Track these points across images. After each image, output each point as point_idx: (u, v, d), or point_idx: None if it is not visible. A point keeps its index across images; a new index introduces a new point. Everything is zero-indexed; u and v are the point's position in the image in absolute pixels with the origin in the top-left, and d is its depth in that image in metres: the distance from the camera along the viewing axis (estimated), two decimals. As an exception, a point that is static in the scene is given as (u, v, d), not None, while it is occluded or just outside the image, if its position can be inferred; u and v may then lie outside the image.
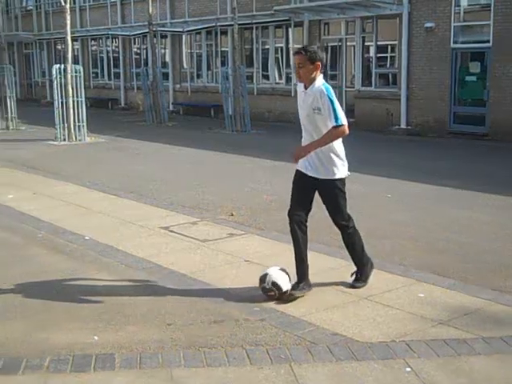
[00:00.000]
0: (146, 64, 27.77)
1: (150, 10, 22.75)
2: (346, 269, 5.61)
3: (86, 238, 7.05)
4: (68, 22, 18.02)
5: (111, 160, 13.60)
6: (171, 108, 26.31)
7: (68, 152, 15.36)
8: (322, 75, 5.15)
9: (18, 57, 38.88)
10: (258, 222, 7.73)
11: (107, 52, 32.23)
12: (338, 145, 5.18)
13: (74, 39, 20.54)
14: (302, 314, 4.82)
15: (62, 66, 17.53)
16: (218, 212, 8.31)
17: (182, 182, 10.69)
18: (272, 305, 4.99)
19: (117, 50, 31.35)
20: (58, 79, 17.23)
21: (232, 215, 8.09)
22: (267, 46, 23.83)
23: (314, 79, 5.08)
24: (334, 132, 4.99)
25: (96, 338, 4.38)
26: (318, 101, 5.01)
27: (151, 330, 4.54)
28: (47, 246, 6.79)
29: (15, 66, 31.64)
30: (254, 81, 23.72)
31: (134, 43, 30.33)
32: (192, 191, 9.79)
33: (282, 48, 23.35)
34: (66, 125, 17.20)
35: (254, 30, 23.86)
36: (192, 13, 26.14)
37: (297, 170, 5.28)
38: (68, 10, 18.04)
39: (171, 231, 7.31)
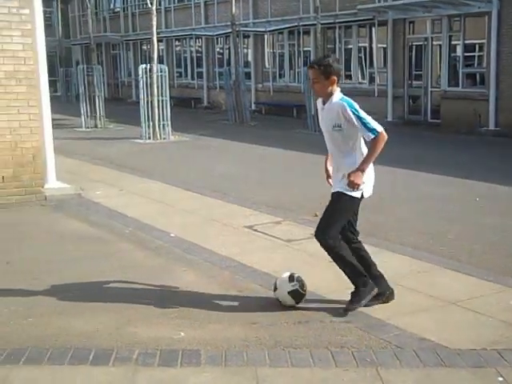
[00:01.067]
0: (229, 64, 28.05)
1: (233, 11, 22.95)
2: (435, 272, 5.49)
3: (172, 235, 7.18)
4: (154, 23, 18.42)
5: (195, 158, 13.80)
6: (253, 107, 26.45)
7: (153, 150, 15.69)
8: (339, 89, 4.83)
9: (106, 57, 40.01)
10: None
11: (191, 52, 32.76)
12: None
13: (159, 40, 20.95)
14: (387, 317, 4.75)
15: (148, 65, 17.94)
16: (302, 212, 8.29)
17: (265, 181, 10.73)
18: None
19: (200, 49, 31.80)
20: (144, 79, 17.64)
21: (316, 215, 8.04)
22: (350, 46, 23.63)
23: (331, 94, 4.79)
24: (376, 144, 4.66)
25: (182, 334, 4.44)
26: (339, 117, 4.70)
27: (236, 328, 4.57)
28: (134, 241, 6.95)
29: (103, 66, 32.53)
30: (337, 81, 23.55)
31: (217, 43, 30.69)
32: (275, 191, 9.81)
33: (365, 48, 23.10)
34: (151, 123, 17.58)
35: (337, 30, 23.71)
36: (274, 13, 26.22)
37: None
38: (154, 12, 18.44)
39: (255, 230, 7.35)
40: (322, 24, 20.75)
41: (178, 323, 4.64)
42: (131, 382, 3.80)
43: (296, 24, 24.84)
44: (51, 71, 9.36)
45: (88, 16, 25.35)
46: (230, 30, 24.26)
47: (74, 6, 41.39)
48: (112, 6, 40.21)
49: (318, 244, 4.86)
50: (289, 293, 4.93)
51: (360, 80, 23.21)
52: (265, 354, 4.15)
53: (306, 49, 25.36)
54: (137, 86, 20.28)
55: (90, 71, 21.49)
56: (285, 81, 26.63)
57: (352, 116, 4.65)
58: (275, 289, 5.01)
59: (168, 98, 18.00)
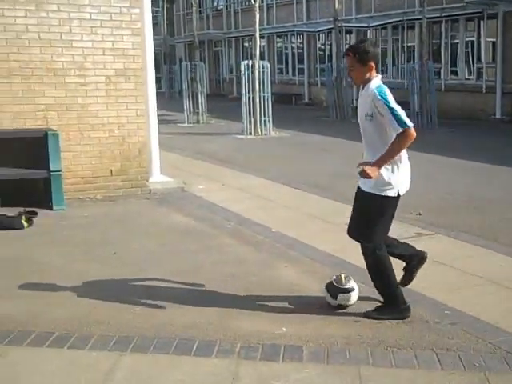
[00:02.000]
0: (330, 60, 27.88)
1: (336, 6, 22.78)
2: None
3: (273, 230, 7.20)
4: (257, 19, 18.55)
5: (295, 154, 13.80)
6: (354, 104, 26.18)
7: (254, 146, 15.82)
8: (379, 76, 4.57)
9: (208, 54, 40.74)
10: (447, 223, 7.45)
11: (292, 48, 32.81)
12: (396, 157, 4.50)
13: (260, 36, 21.11)
14: (496, 320, 4.56)
15: (250, 62, 18.10)
16: (406, 210, 8.11)
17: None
18: (464, 308, 4.77)
19: (301, 46, 31.79)
20: (246, 75, 17.81)
21: (420, 214, 7.88)
22: (456, 40, 22.95)
23: (368, 81, 4.53)
24: (401, 139, 4.36)
25: (284, 329, 4.44)
26: (371, 106, 4.44)
27: (338, 325, 4.53)
28: (236, 236, 7.02)
29: (205, 63, 33.12)
30: (442, 76, 22.97)
31: (319, 39, 30.59)
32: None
33: (472, 42, 22.38)
34: (252, 119, 17.74)
35: (443, 24, 23.08)
36: (378, 7, 25.85)
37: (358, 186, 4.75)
38: (257, 9, 18.57)
39: (356, 227, 7.25)
40: (427, 18, 20.25)
41: (279, 318, 4.64)
42: (233, 375, 3.83)
43: (400, 19, 24.38)
44: (156, 68, 9.62)
45: (192, 14, 25.81)
46: (332, 26, 24.13)
47: (179, 5, 42.37)
48: (215, 3, 40.86)
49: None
50: (325, 286, 4.87)
51: (467, 76, 22.51)
52: (368, 353, 4.09)
53: (410, 44, 24.88)
54: (238, 82, 20.56)
55: (193, 68, 21.94)
56: (387, 77, 26.20)
57: (381, 105, 4.37)
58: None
59: (269, 94, 18.10)
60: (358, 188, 4.72)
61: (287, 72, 33.21)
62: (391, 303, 4.66)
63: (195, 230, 7.35)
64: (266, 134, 17.76)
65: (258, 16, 18.65)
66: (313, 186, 9.90)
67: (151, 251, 6.42)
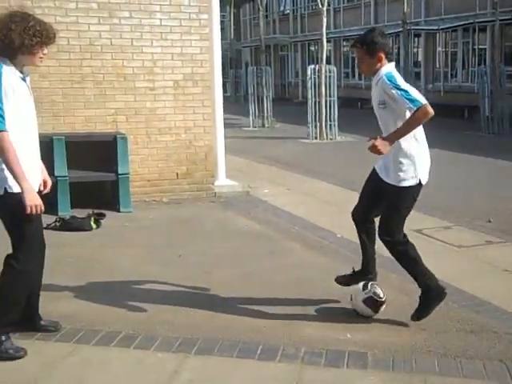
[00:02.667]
0: (398, 63, 27.53)
1: (405, 9, 22.50)
2: None
3: (338, 235, 7.15)
4: (324, 23, 18.51)
5: (360, 159, 13.65)
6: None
7: (319, 150, 15.77)
8: (390, 64, 4.45)
9: (274, 58, 40.89)
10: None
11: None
12: (414, 144, 4.41)
13: (327, 40, 21.03)
14: None
15: (317, 66, 18.05)
16: (474, 217, 7.94)
17: (436, 183, 10.38)
18: (536, 320, 4.63)
19: (368, 50, 31.52)
20: (312, 79, 17.78)
21: (489, 222, 7.68)
22: (530, 43, 22.36)
23: (377, 71, 4.42)
24: (416, 114, 4.20)
25: (349, 335, 4.40)
26: (381, 93, 4.35)
27: (404, 333, 4.45)
28: (300, 240, 7.00)
29: (271, 67, 33.25)
30: (514, 80, 22.37)
31: (386, 43, 30.26)
32: (445, 194, 9.48)
33: (547, 44, 21.74)
34: (318, 123, 17.69)
35: (516, 26, 22.52)
36: (448, 10, 25.40)
37: (373, 168, 4.71)
38: (324, 12, 18.53)
39: (423, 234, 7.13)
40: (500, 20, 19.76)
41: (344, 324, 4.59)
42: (297, 380, 3.81)
43: (471, 21, 23.87)
44: (222, 72, 9.72)
45: (259, 19, 25.95)
46: (400, 29, 23.82)
47: (246, 10, 42.68)
48: (282, 8, 40.97)
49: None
50: (363, 301, 4.71)
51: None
52: (434, 362, 4.01)
53: (481, 47, 24.33)
54: (304, 87, 20.56)
55: (259, 72, 22.04)
56: (457, 81, 25.70)
57: (391, 90, 4.25)
58: (351, 299, 4.82)
59: (336, 99, 18.02)
60: (376, 174, 4.65)
61: (353, 76, 33.01)
62: (427, 290, 4.57)
63: (260, 233, 7.36)
64: (331, 139, 17.68)
65: (325, 20, 18.59)
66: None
67: (216, 254, 6.47)
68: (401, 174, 4.42)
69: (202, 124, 9.17)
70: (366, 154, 4.56)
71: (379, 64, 4.40)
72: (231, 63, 40.79)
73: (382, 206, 4.65)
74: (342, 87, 31.60)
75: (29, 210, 3.84)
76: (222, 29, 38.92)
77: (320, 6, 18.57)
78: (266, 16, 39.18)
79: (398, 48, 28.43)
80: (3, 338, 4.03)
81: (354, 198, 9.39)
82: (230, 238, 7.17)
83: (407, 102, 4.20)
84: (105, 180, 8.50)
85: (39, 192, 4.08)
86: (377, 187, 4.66)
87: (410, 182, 4.43)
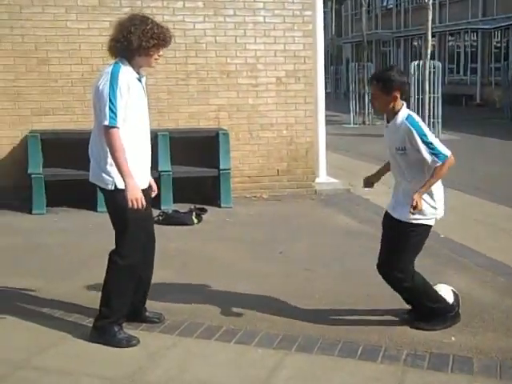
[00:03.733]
0: (507, 58, 26.52)
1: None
2: None
3: (441, 235, 6.96)
4: (429, 17, 18.06)
5: (467, 158, 13.25)
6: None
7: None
8: (404, 105, 4.28)
9: (376, 54, 40.32)
10: None
11: (465, 47, 31.59)
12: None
13: (432, 35, 20.51)
14: None
15: (420, 62, 17.65)
16: None
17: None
18: None
19: (475, 44, 30.52)
20: (416, 75, 17.40)
21: None
22: None
23: (395, 112, 4.25)
24: (442, 168, 4.21)
25: (453, 338, 4.28)
26: (404, 140, 4.20)
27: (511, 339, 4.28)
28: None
29: (372, 63, 32.80)
30: None
31: (494, 37, 29.18)
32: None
33: None
34: (420, 121, 17.30)
35: None
36: None
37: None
38: (430, 6, 18.08)
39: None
40: None
41: (448, 327, 4.47)
42: (399, 382, 3.74)
43: None
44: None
45: (362, 14, 25.64)
46: (511, 23, 22.89)
47: (347, 5, 42.29)
48: (385, 3, 40.35)
49: None
50: None
51: None
52: (546, 371, 3.83)
53: None
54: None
55: (360, 69, 21.79)
56: None
57: (418, 141, 4.15)
58: None
59: (440, 95, 17.56)
60: (390, 216, 4.53)
61: (458, 72, 32.04)
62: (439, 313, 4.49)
63: (361, 232, 7.28)
64: (436, 137, 17.23)
65: (430, 14, 18.14)
66: (478, 189, 9.45)
67: (316, 251, 6.45)
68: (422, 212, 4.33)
69: (304, 121, 9.16)
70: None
71: (393, 104, 4.26)
72: (332, 59, 40.53)
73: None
74: (446, 83, 30.74)
75: (130, 205, 3.93)
76: (324, 25, 38.93)
77: (426, 0, 18.13)
78: (369, 11, 38.67)
79: (507, 42, 27.36)
80: (116, 328, 4.18)
81: (455, 196, 9.17)
82: (330, 235, 7.13)
83: (432, 156, 4.18)
84: (206, 175, 8.65)
85: (144, 190, 4.16)
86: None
87: (422, 220, 4.39)
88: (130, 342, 4.17)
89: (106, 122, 3.93)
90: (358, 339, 4.27)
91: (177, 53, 8.69)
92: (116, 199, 4.07)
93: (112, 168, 4.03)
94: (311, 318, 4.67)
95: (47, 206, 8.06)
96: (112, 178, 4.06)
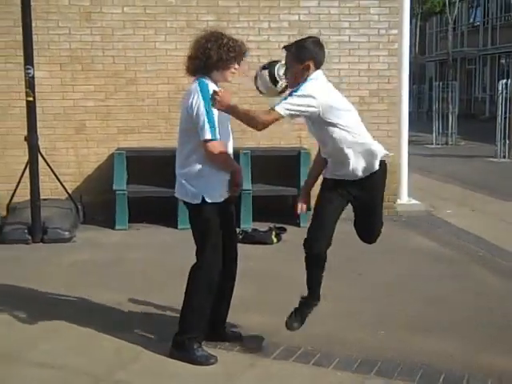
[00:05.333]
0: None
1: None
2: None
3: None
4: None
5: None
6: None
7: (508, 170, 14.96)
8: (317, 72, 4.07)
9: (460, 72, 39.52)
10: None
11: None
12: None
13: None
14: None
15: (508, 80, 17.18)
16: None
17: None
18: None
19: None
20: (503, 94, 16.93)
21: None
22: None
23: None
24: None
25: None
26: None
27: None
28: (487, 265, 6.68)
29: (456, 82, 32.21)
30: None
31: None
32: None
33: None
34: (507, 141, 16.80)
35: None
36: None
37: None
38: (519, 24, 17.60)
39: None
40: None
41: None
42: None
43: None
44: (406, 88, 9.57)
45: (448, 31, 25.21)
46: None
47: (432, 23, 41.69)
48: (472, 20, 39.54)
49: None
50: None
51: None
52: None
53: None
54: (492, 102, 19.65)
55: (444, 87, 21.40)
56: None
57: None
58: None
59: (528, 115, 17.03)
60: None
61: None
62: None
63: (442, 255, 7.13)
64: (523, 158, 16.73)
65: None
66: None
67: (396, 274, 6.34)
68: None
69: (386, 141, 8.97)
70: None
71: (306, 74, 4.09)
72: (414, 78, 40.00)
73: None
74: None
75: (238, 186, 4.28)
76: (407, 43, 38.58)
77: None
78: (454, 28, 38.02)
79: None
80: (195, 345, 4.23)
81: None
82: (411, 258, 7.01)
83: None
84: (286, 194, 8.65)
85: (228, 206, 4.32)
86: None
87: None
88: (208, 360, 4.20)
89: (208, 136, 4.06)
90: (440, 366, 4.16)
91: (260, 72, 8.77)
92: (202, 212, 4.18)
93: (199, 183, 4.14)
94: (392, 342, 4.59)
95: (129, 222, 8.26)
96: (199, 191, 4.15)
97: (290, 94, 3.97)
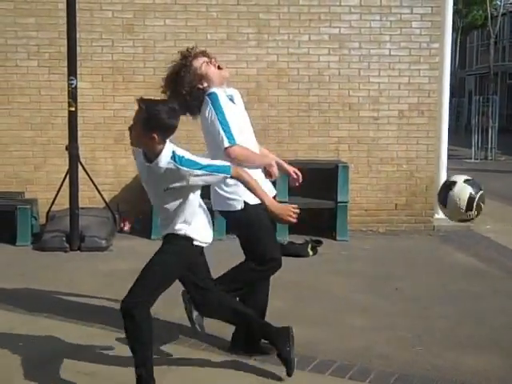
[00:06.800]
0: None
1: None
2: None
3: None
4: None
5: None
6: None
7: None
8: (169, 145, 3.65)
9: (501, 87, 39.01)
10: None
11: None
12: None
13: None
14: None
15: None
16: None
17: None
18: None
19: None
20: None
21: None
22: None
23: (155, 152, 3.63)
24: None
25: None
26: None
27: None
28: (527, 282, 6.58)
29: (497, 96, 31.82)
30: None
31: None
32: None
33: None
34: (548, 158, 16.56)
35: None
36: None
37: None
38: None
39: None
40: None
41: None
42: None
43: None
44: (445, 102, 9.50)
45: (490, 45, 24.94)
46: None
47: (473, 37, 41.31)
48: (514, 34, 39.06)
49: None
50: None
51: None
52: None
53: None
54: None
55: (484, 102, 21.17)
56: None
57: None
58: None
59: None
60: None
61: None
62: None
63: (481, 271, 7.04)
64: None
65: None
66: None
67: (433, 289, 6.28)
68: None
69: (425, 155, 9.02)
70: None
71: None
72: (453, 92, 39.61)
73: None
74: None
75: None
76: (447, 57, 38.22)
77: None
78: (495, 42, 37.59)
79: None
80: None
81: None
82: (448, 273, 6.93)
83: None
84: (323, 207, 8.63)
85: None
86: None
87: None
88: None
89: (226, 144, 4.11)
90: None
91: (300, 85, 8.84)
92: (248, 215, 4.21)
93: (237, 188, 4.14)
94: (429, 358, 4.53)
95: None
96: (239, 197, 4.19)
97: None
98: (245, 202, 4.19)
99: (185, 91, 4.23)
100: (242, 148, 4.17)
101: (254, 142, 4.44)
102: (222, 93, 4.27)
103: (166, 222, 3.84)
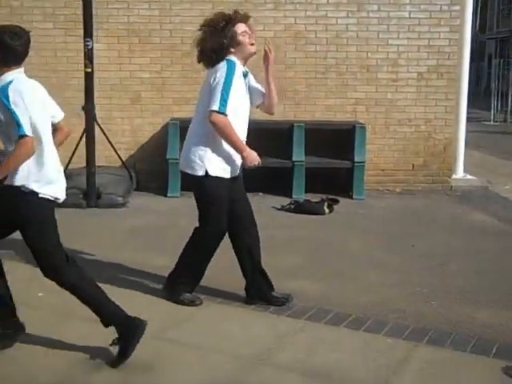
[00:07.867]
0: None
1: None
2: None
3: None
4: None
5: None
6: None
7: None
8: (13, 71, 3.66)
9: (522, 51, 38.35)
10: None
11: None
12: None
13: None
14: None
15: None
16: None
17: None
18: None
19: None
20: None
21: None
22: None
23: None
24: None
25: None
26: None
27: None
28: None
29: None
30: None
31: None
32: None
33: None
34: None
35: None
36: None
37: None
38: None
39: None
40: None
41: None
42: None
43: None
44: (464, 65, 9.39)
45: (511, 9, 24.50)
46: None
47: (494, 0, 40.59)
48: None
49: None
50: None
51: None
52: None
53: None
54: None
55: (505, 65, 20.93)
56: None
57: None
58: None
59: None
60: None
61: None
62: None
63: (499, 230, 7.03)
64: None
65: None
66: None
67: (450, 247, 6.28)
68: None
69: (444, 116, 8.95)
70: None
71: None
72: (473, 55, 39.04)
73: None
74: None
75: (249, 166, 4.30)
76: (467, 20, 37.57)
77: None
78: (516, 6, 36.90)
79: None
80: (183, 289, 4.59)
81: None
82: (465, 232, 6.93)
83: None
84: (340, 167, 8.63)
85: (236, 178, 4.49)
86: None
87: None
88: (193, 302, 4.56)
89: (215, 107, 4.13)
90: (493, 337, 4.13)
91: (317, 47, 8.79)
92: (205, 185, 4.33)
93: (204, 154, 4.27)
94: (445, 312, 4.57)
95: (181, 190, 8.34)
96: (203, 164, 4.28)
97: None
98: (206, 171, 4.28)
99: (220, 42, 4.25)
100: (226, 119, 4.17)
101: (243, 131, 4.42)
102: (239, 66, 4.31)
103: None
